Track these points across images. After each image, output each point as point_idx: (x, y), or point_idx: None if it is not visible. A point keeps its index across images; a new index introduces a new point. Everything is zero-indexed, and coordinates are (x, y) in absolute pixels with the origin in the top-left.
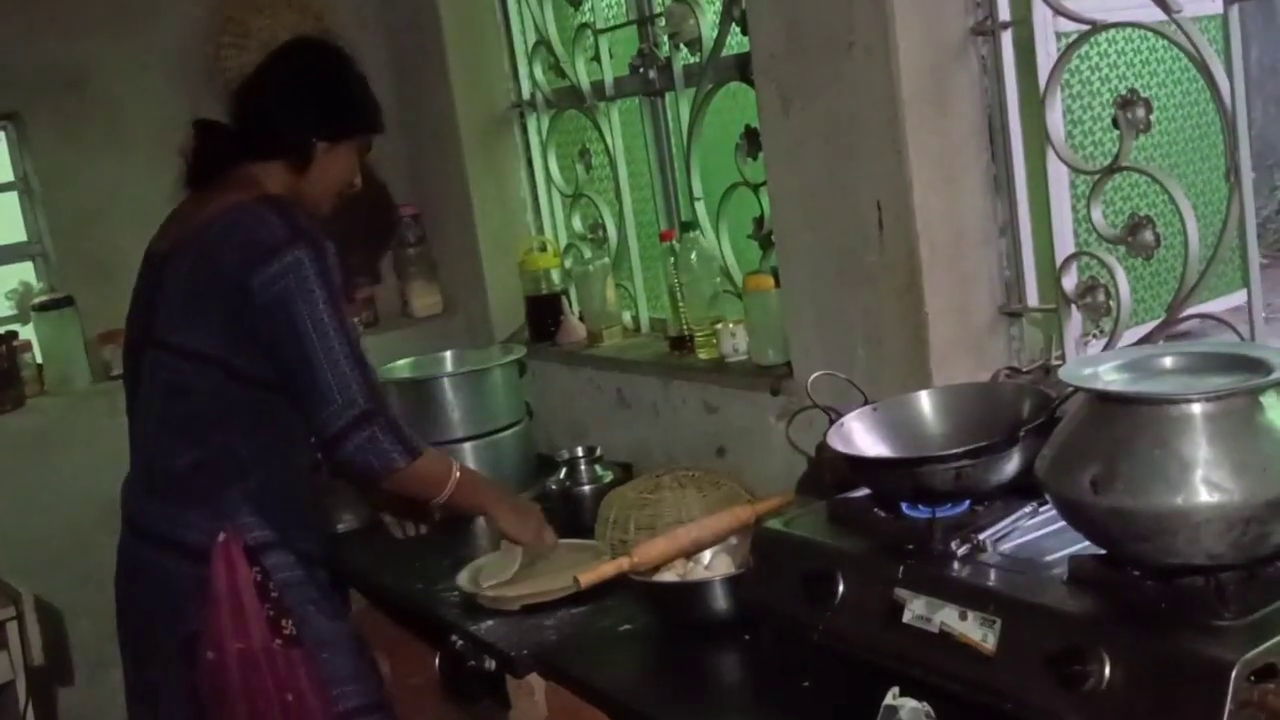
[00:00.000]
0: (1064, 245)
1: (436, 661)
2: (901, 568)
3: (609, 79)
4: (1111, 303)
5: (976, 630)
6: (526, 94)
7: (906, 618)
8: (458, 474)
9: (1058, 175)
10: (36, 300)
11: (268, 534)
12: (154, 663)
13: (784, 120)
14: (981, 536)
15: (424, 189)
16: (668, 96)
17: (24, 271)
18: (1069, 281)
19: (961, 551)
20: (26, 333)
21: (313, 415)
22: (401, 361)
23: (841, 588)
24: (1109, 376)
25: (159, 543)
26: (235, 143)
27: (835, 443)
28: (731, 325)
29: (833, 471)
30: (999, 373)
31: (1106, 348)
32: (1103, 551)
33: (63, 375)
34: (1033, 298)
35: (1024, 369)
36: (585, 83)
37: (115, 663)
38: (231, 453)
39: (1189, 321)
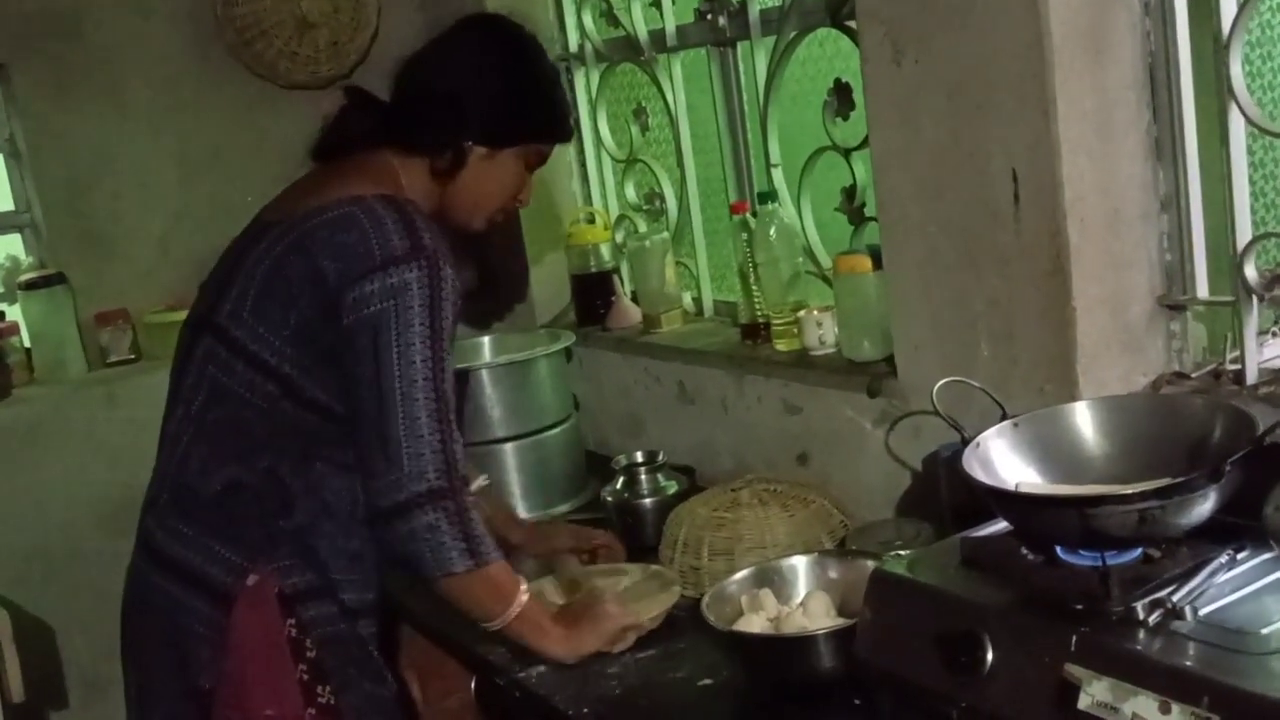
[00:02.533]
0: (1242, 223)
1: (473, 684)
2: (1074, 637)
3: (670, 27)
4: None
5: None
6: (574, 45)
7: (1083, 703)
8: (524, 599)
9: (1236, 141)
10: (24, 277)
11: (310, 580)
12: (155, 715)
13: (894, 71)
14: (1176, 598)
15: None
16: (740, 46)
17: (11, 244)
18: (1252, 269)
19: (1154, 619)
20: (13, 314)
21: (369, 476)
22: None
23: (990, 655)
24: None
25: (175, 572)
26: (383, 123)
27: (973, 469)
28: (817, 313)
29: (951, 492)
30: (1161, 379)
31: None
32: None
33: (54, 361)
34: (1201, 287)
35: (1190, 374)
36: (643, 32)
37: (114, 682)
38: (277, 481)
39: None
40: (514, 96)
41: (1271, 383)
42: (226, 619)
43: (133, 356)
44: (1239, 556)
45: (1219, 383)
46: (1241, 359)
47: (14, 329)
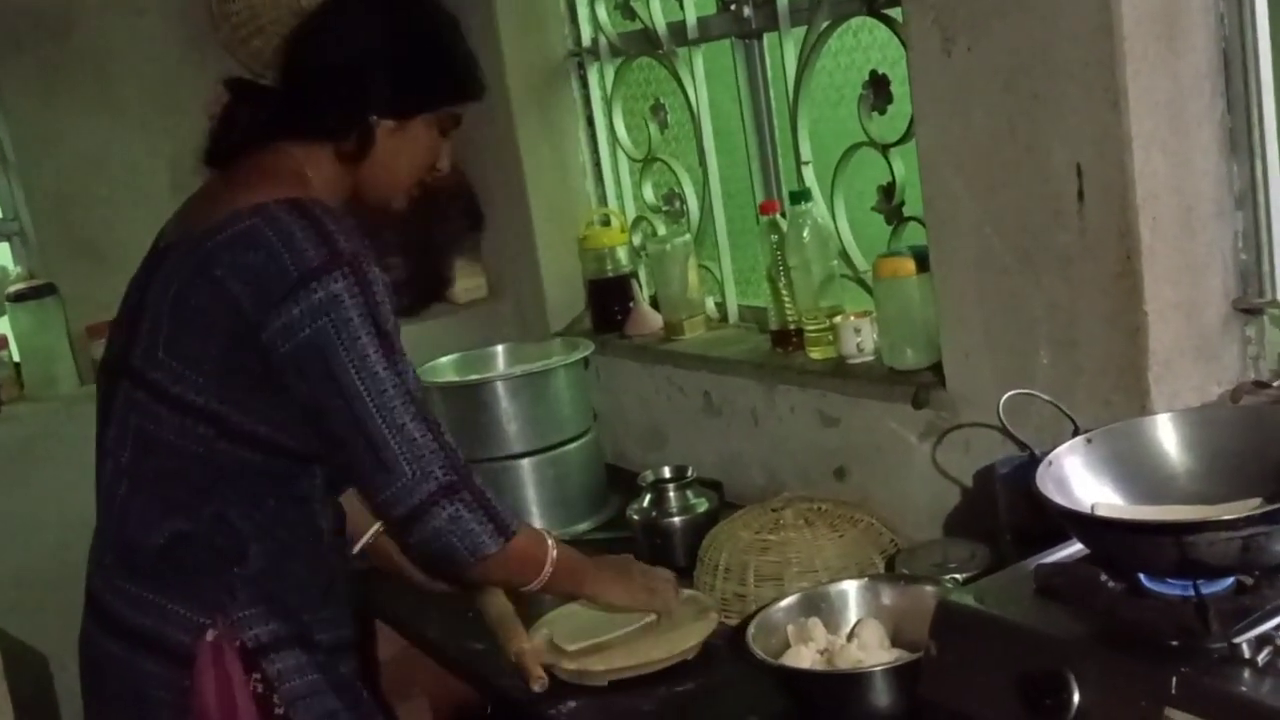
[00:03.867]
0: None
1: (489, 710)
2: (1174, 679)
3: (691, 19)
4: None
5: None
6: (587, 39)
7: None
8: (554, 553)
9: None
10: (13, 288)
11: (273, 629)
12: None
13: (943, 61)
14: None
15: (465, 152)
16: (767, 38)
17: None
18: None
19: (1263, 658)
20: (2, 326)
21: (374, 492)
22: (444, 359)
23: (1078, 698)
24: None
25: (128, 637)
26: (275, 112)
27: (1048, 489)
28: (854, 319)
29: (1010, 512)
30: (1241, 388)
31: None
32: None
33: (45, 376)
34: None
35: (1271, 383)
36: (661, 24)
37: None
38: (225, 527)
39: None
40: (414, 59)
41: None
42: (188, 680)
43: None
44: None
45: None
46: None
47: (3, 343)
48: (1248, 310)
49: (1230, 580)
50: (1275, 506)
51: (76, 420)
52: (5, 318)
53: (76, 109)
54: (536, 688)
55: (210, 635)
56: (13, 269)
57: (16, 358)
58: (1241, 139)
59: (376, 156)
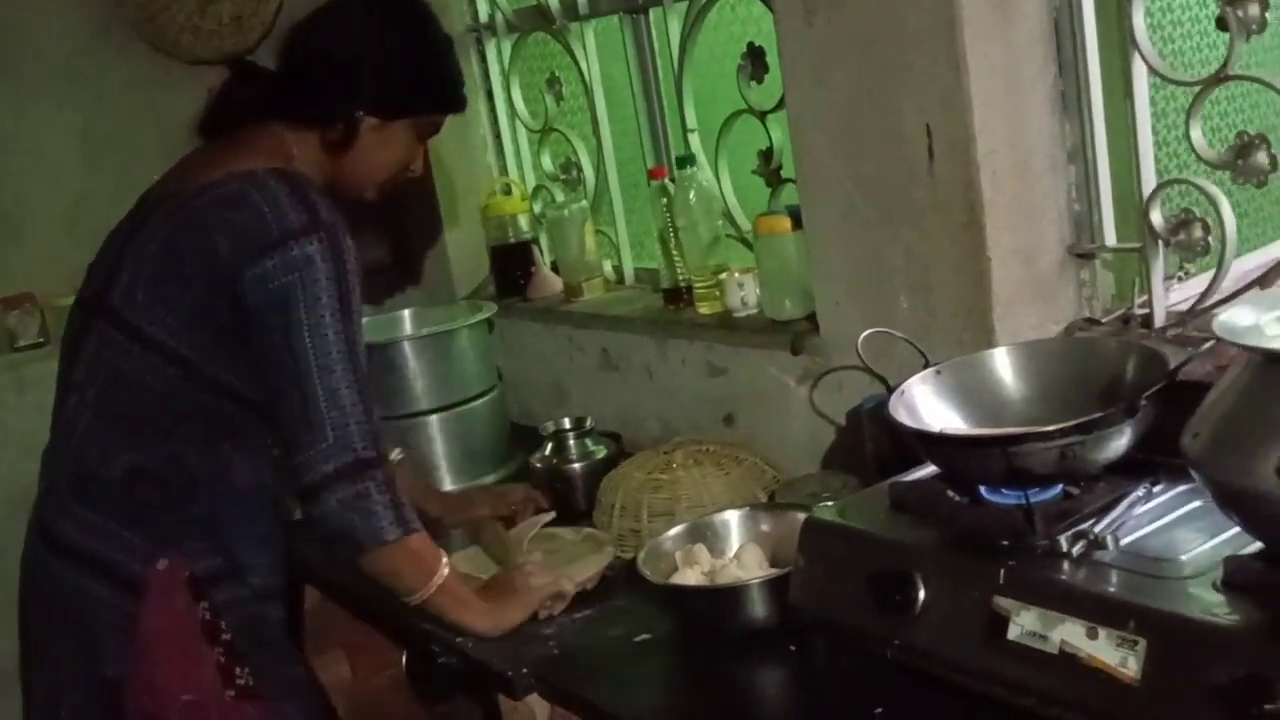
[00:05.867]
0: (1147, 171)
1: (404, 659)
2: (1002, 571)
3: None
4: (1211, 239)
5: (1112, 653)
6: (484, 15)
7: (1013, 634)
8: (444, 572)
9: (1140, 90)
10: None
11: (220, 564)
12: (62, 710)
13: (807, 32)
14: (1097, 529)
15: None
16: (653, 13)
17: None
18: (1157, 215)
19: (1077, 550)
20: None
21: (296, 451)
22: None
23: (922, 594)
24: (1276, 331)
25: (79, 561)
26: (271, 95)
27: (900, 415)
28: (739, 275)
29: (875, 443)
30: (1074, 325)
31: (1207, 292)
32: (1259, 548)
33: None
34: (1110, 235)
35: (1102, 319)
36: (554, 1)
37: None
38: (180, 465)
39: None
40: (406, 67)
41: (1179, 325)
42: (137, 606)
43: (41, 340)
44: (1155, 490)
45: (1128, 327)
46: (1150, 303)
47: None
48: (1081, 255)
49: (1058, 489)
50: (1086, 419)
51: None
52: None
53: None
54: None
55: (162, 564)
56: None
57: None
58: (1071, 99)
59: (358, 150)
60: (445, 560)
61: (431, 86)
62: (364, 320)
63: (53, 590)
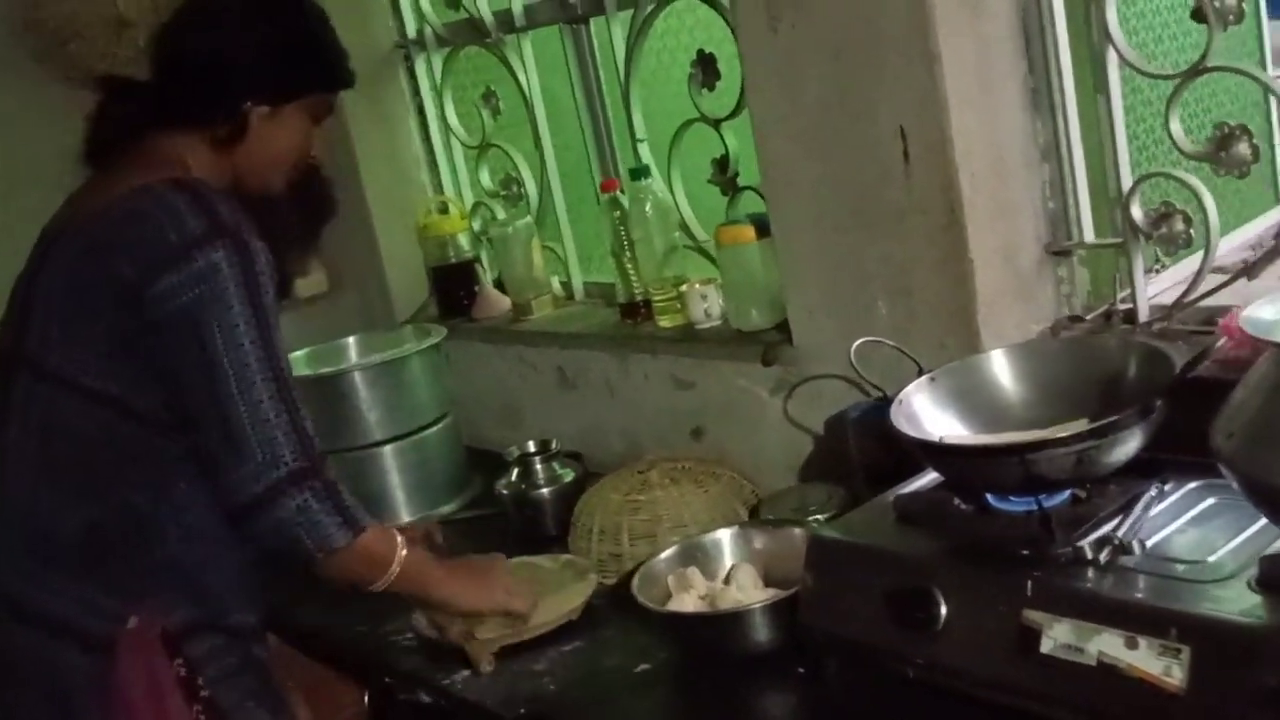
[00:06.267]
0: (1124, 165)
1: (365, 699)
2: (1029, 582)
3: (518, 7)
4: (1193, 232)
5: (1154, 662)
6: (413, 31)
7: (1046, 647)
8: (403, 553)
9: (1114, 85)
10: None
11: (194, 614)
12: None
13: (770, 38)
14: (1121, 533)
15: None
16: (594, 23)
17: None
18: (1138, 210)
19: (1104, 557)
20: None
21: (222, 473)
22: (296, 354)
23: (944, 610)
24: None
25: (44, 628)
26: (150, 106)
27: (902, 424)
28: (700, 286)
29: (862, 453)
30: (1059, 323)
31: (1192, 285)
32: None
33: None
34: (1088, 232)
35: (1084, 316)
36: (487, 13)
37: None
38: (135, 512)
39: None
40: (286, 46)
41: (1164, 319)
42: (109, 668)
43: None
44: (1166, 489)
45: (1110, 323)
46: (1133, 297)
47: None
48: (1058, 253)
49: (1066, 494)
50: (1102, 423)
51: None
52: None
53: None
54: (486, 668)
55: (132, 623)
56: None
57: None
58: (1043, 96)
59: (252, 142)
60: (401, 542)
61: (314, 63)
62: (283, 333)
63: (19, 658)
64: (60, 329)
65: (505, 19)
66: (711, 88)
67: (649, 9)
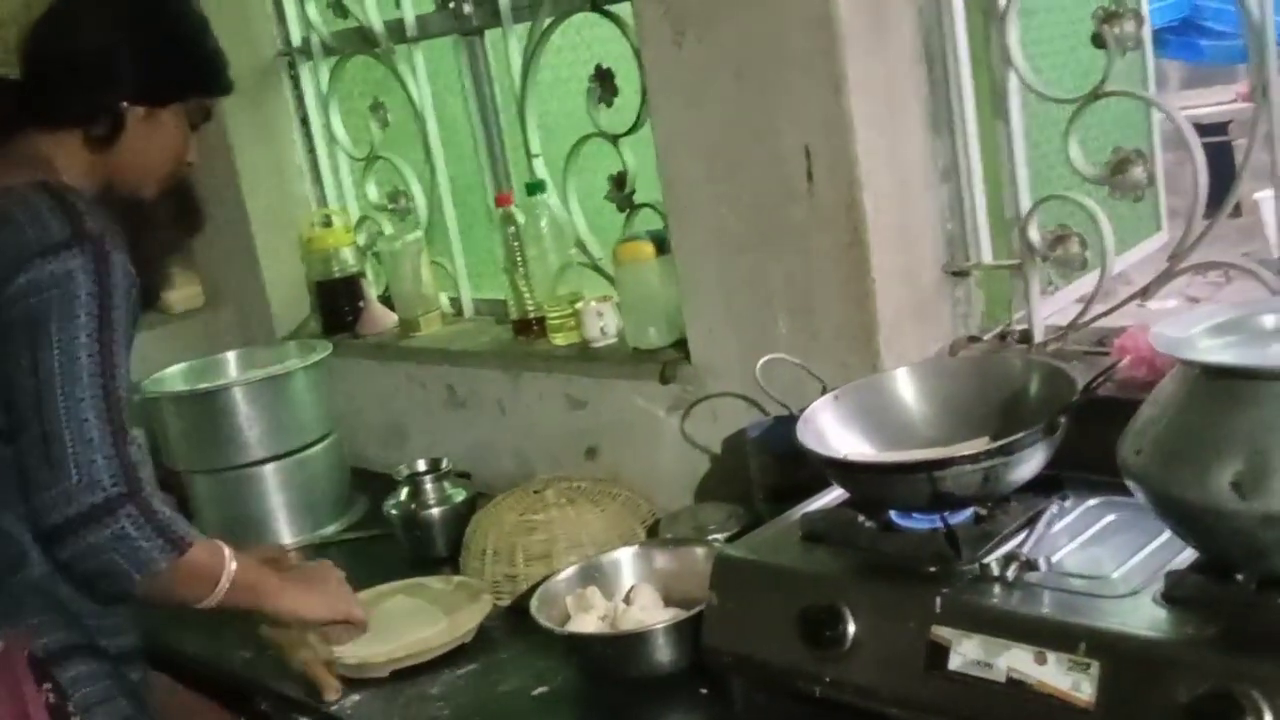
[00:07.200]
0: (1023, 188)
1: None
2: (938, 599)
3: (410, 17)
4: (1089, 254)
5: (1063, 678)
6: (298, 39)
7: (955, 664)
8: (232, 566)
9: (1015, 109)
10: None
11: (64, 637)
12: None
13: (675, 53)
14: (1026, 550)
15: None
16: (489, 35)
17: None
18: (1035, 231)
19: (1010, 573)
20: None
21: (35, 489)
22: (172, 369)
23: (852, 628)
24: (1206, 343)
25: None
26: (19, 102)
27: (808, 441)
28: (596, 303)
29: (762, 472)
30: (958, 343)
31: (1090, 305)
32: (1193, 560)
33: None
34: (986, 253)
35: (981, 336)
36: (377, 22)
37: None
38: (2, 534)
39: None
40: (163, 47)
41: (1059, 339)
42: None
43: None
44: (1066, 505)
45: (1006, 343)
46: (1028, 318)
47: None
48: (956, 273)
49: (970, 511)
50: (1009, 440)
51: None
52: None
53: None
54: (331, 696)
55: None
56: None
57: None
58: (943, 118)
59: (127, 144)
60: (229, 555)
61: (191, 67)
62: (132, 343)
63: None
64: None
65: (396, 29)
66: (610, 103)
67: (546, 22)
